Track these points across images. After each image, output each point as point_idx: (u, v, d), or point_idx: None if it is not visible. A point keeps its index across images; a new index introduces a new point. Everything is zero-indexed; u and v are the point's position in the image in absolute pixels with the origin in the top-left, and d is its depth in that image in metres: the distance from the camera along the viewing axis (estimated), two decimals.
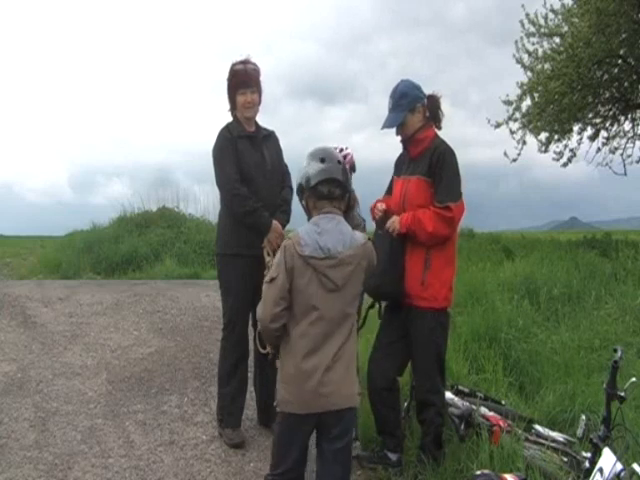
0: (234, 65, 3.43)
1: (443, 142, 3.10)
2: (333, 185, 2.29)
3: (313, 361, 2.21)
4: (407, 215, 3.01)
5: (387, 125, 3.12)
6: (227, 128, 3.45)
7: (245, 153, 3.38)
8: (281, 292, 2.20)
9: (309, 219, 2.36)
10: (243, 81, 3.39)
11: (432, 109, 3.15)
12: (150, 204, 10.56)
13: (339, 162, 2.31)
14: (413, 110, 3.08)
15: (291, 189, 3.55)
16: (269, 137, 3.55)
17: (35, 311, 5.65)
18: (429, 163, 3.02)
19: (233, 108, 3.48)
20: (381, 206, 3.19)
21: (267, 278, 2.25)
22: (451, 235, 3.04)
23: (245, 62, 3.43)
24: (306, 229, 2.28)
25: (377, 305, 3.32)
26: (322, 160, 2.28)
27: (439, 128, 3.18)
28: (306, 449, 2.36)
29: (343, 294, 2.25)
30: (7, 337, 5.00)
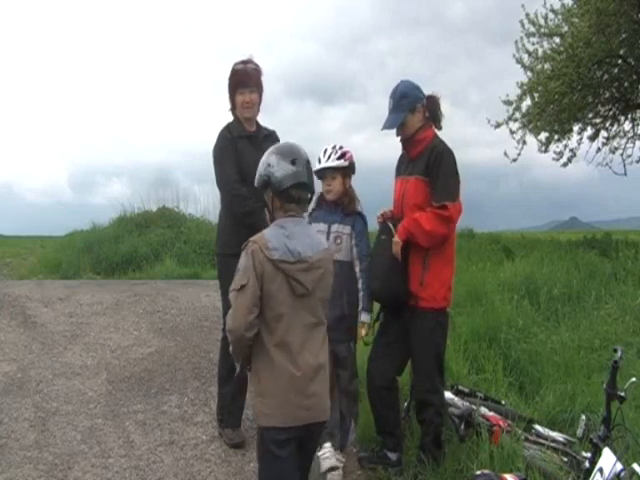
0: (235, 65, 3.44)
1: (441, 142, 3.11)
2: (303, 189, 2.24)
3: (293, 371, 2.12)
4: (404, 222, 3.04)
5: (387, 126, 3.13)
6: (227, 128, 3.45)
7: (245, 153, 3.38)
8: (253, 299, 2.10)
9: (271, 218, 2.28)
10: (242, 81, 3.40)
11: (432, 109, 3.15)
12: (150, 204, 10.56)
13: (308, 162, 2.28)
14: (413, 110, 3.09)
15: None
16: (270, 137, 3.54)
17: (35, 311, 5.65)
18: (427, 162, 3.03)
19: (233, 108, 3.49)
20: (385, 208, 3.21)
21: (236, 286, 2.12)
22: (449, 235, 3.05)
23: (246, 62, 3.44)
24: (273, 232, 2.20)
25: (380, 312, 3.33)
26: (293, 162, 2.19)
27: (439, 128, 3.18)
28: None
29: (313, 299, 2.20)
30: (7, 337, 5.00)
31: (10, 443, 3.41)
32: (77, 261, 9.06)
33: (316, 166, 3.21)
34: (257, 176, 2.24)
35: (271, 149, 2.27)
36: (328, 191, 3.26)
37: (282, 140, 3.64)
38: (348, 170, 3.27)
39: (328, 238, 3.22)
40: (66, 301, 5.98)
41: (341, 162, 3.22)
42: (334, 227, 3.24)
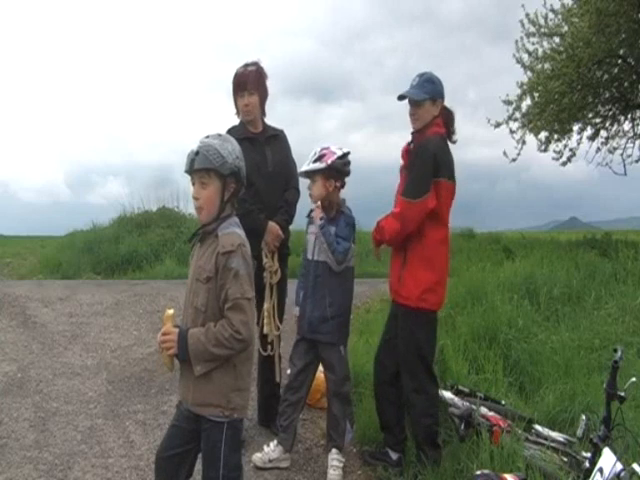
0: (237, 69, 3.44)
1: (430, 140, 3.03)
2: None
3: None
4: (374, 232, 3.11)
5: (411, 95, 3.05)
6: (229, 132, 3.43)
7: (244, 156, 3.37)
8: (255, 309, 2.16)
9: (221, 208, 2.15)
10: (239, 84, 3.39)
11: (446, 120, 3.12)
12: (150, 204, 10.57)
13: None
14: (434, 101, 3.06)
15: (297, 190, 3.51)
16: (275, 138, 3.51)
17: (35, 311, 5.66)
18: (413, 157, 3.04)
19: (237, 111, 3.49)
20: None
21: (247, 294, 2.05)
22: (404, 230, 2.97)
23: (248, 64, 3.43)
24: (242, 233, 2.16)
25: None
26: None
27: (452, 142, 3.14)
28: None
29: None
30: (7, 337, 5.00)
31: (10, 443, 3.41)
32: (77, 261, 9.07)
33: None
34: (221, 160, 2.09)
35: (233, 140, 2.20)
36: (309, 194, 3.22)
37: (290, 140, 3.62)
38: (328, 172, 3.13)
39: (315, 239, 3.20)
40: (66, 301, 5.99)
41: (317, 165, 3.12)
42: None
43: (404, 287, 3.04)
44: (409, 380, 3.07)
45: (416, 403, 3.03)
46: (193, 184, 2.15)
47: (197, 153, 2.08)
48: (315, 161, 3.14)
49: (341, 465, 3.16)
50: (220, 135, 2.18)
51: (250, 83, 3.38)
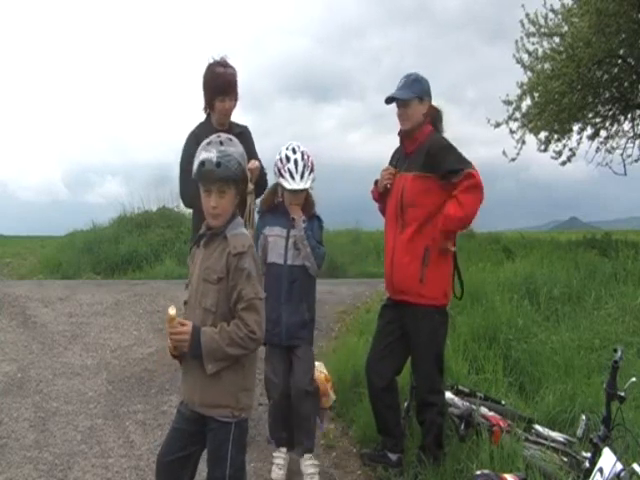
0: (213, 66, 3.30)
1: (437, 136, 3.08)
2: None
3: None
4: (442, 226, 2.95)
5: (398, 95, 3.07)
6: (195, 133, 3.32)
7: None
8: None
9: (232, 215, 2.14)
10: (223, 88, 3.28)
11: (432, 118, 3.13)
12: (150, 204, 10.56)
13: None
14: (421, 100, 3.08)
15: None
16: (239, 136, 3.35)
17: (35, 311, 5.66)
18: (424, 158, 3.00)
19: (208, 108, 3.39)
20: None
21: (260, 294, 2.07)
22: (482, 196, 2.91)
23: (224, 65, 3.30)
24: (249, 234, 2.19)
25: None
26: None
27: None
28: None
29: None
30: (7, 337, 5.00)
31: (10, 443, 3.41)
32: (77, 261, 9.08)
33: (290, 183, 3.02)
34: (240, 170, 2.09)
35: (237, 141, 2.15)
36: (298, 204, 3.08)
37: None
38: None
39: (287, 242, 3.08)
40: (66, 301, 5.98)
41: (313, 175, 3.08)
42: (293, 232, 3.07)
43: (427, 286, 2.97)
44: (425, 381, 3.07)
45: (433, 403, 3.03)
46: (206, 191, 2.10)
47: (218, 165, 2.03)
48: (311, 172, 3.06)
49: (317, 470, 3.05)
50: (231, 139, 2.13)
51: (232, 88, 3.28)
